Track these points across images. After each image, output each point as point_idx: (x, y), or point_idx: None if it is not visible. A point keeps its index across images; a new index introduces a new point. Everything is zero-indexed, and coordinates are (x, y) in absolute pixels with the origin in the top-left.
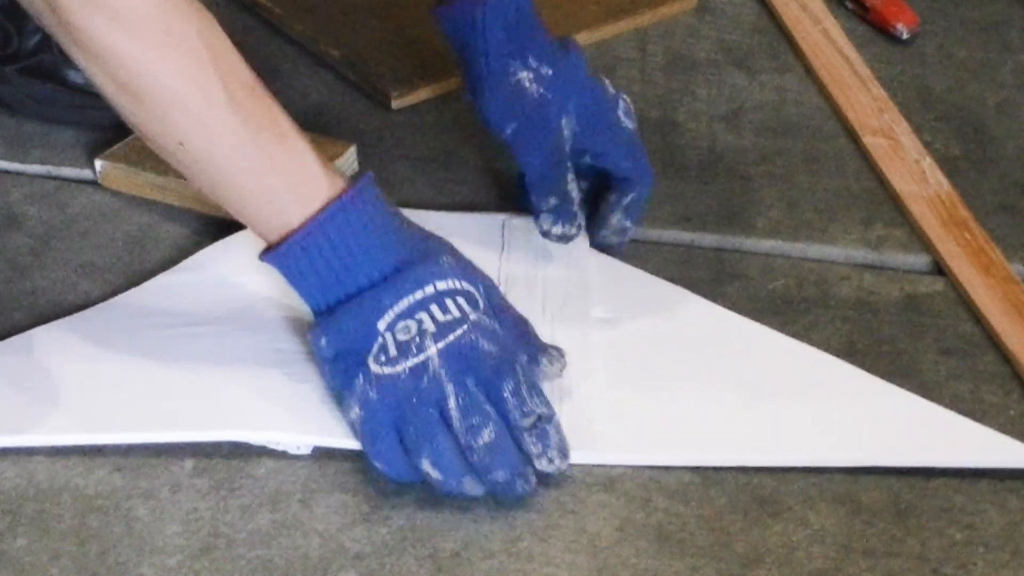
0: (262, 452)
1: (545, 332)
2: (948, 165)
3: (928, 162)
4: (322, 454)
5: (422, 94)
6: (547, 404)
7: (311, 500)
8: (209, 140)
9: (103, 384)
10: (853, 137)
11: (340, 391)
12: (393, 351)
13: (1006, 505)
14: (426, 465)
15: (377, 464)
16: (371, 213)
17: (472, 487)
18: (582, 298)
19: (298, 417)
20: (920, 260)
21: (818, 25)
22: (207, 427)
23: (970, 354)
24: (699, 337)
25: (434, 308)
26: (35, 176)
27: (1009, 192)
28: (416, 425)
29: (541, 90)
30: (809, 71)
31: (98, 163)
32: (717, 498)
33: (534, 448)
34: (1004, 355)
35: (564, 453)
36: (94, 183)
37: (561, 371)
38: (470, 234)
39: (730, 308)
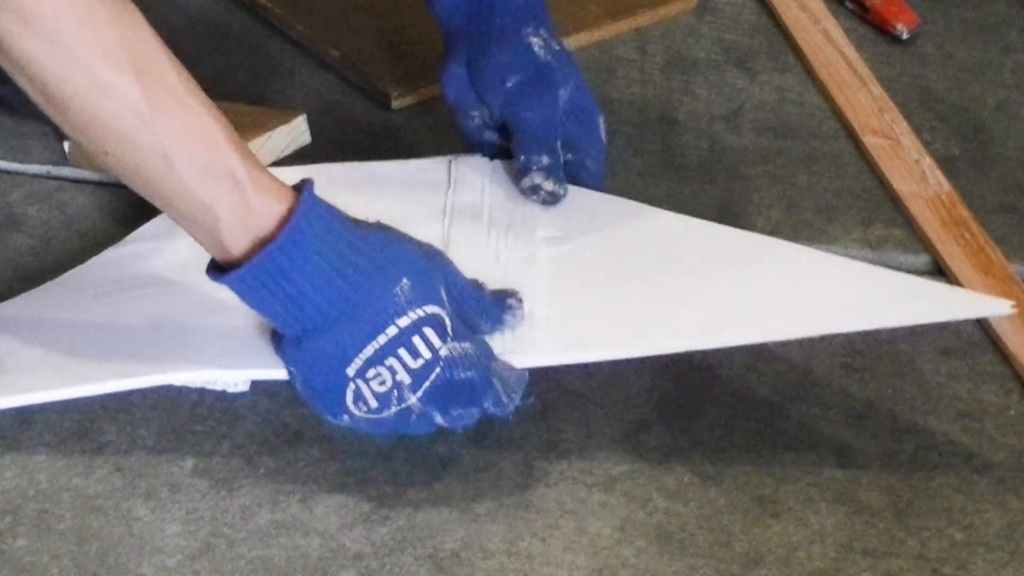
0: (262, 452)
1: (490, 257)
2: (948, 165)
3: (928, 162)
4: (323, 453)
5: (422, 94)
6: (517, 397)
7: (311, 500)
8: (131, 155)
9: (47, 348)
10: (853, 137)
11: (323, 418)
12: (373, 402)
13: (1006, 505)
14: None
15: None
16: (318, 239)
17: None
18: (529, 220)
19: (232, 355)
20: (920, 260)
21: (818, 25)
22: (141, 374)
23: (970, 354)
24: (647, 241)
25: (402, 353)
26: (35, 176)
27: (1009, 192)
28: (412, 430)
29: (549, 57)
30: (809, 71)
31: (66, 144)
32: (717, 498)
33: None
34: (1004, 355)
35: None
36: (94, 183)
37: (522, 319)
38: (417, 178)
39: None
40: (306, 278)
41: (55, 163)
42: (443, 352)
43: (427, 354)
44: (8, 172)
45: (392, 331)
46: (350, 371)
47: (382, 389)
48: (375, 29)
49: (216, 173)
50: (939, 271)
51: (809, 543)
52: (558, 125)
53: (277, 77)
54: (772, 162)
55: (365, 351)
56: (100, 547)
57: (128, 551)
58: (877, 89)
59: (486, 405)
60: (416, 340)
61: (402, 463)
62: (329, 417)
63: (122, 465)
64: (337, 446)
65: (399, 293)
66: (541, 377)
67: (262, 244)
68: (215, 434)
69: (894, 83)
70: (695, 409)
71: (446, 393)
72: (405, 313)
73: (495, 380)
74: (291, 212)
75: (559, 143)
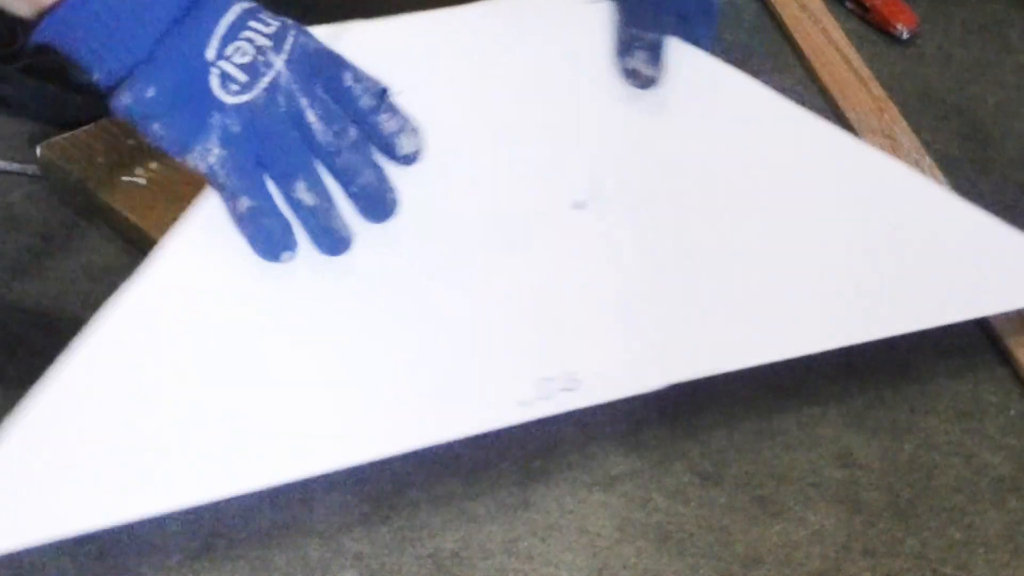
0: None
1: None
2: (948, 165)
3: (928, 162)
4: None
5: None
6: (378, 80)
7: (311, 500)
8: None
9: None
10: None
11: (185, 140)
12: (241, 75)
13: (1006, 505)
14: (300, 191)
15: (242, 202)
16: None
17: (340, 223)
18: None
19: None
20: None
21: (818, 25)
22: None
23: (970, 354)
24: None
25: (255, 24)
26: (35, 176)
27: (1009, 192)
28: (287, 151)
29: None
30: (809, 71)
31: (39, 148)
32: (717, 498)
33: (392, 124)
34: (1004, 355)
35: (413, 123)
36: None
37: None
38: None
39: None
40: None
41: None
42: (289, 20)
43: (276, 22)
44: (8, 172)
45: (238, 8)
46: (209, 54)
47: (247, 59)
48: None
49: None
50: None
51: (809, 543)
52: (666, 6)
53: None
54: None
55: (218, 28)
56: (100, 547)
57: (128, 551)
58: (877, 89)
59: (347, 81)
60: (262, 15)
61: (402, 463)
62: (196, 140)
63: None
64: None
65: None
66: None
67: None
68: None
69: (894, 83)
70: (695, 409)
71: (307, 62)
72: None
73: (345, 58)
74: None
75: (671, 16)
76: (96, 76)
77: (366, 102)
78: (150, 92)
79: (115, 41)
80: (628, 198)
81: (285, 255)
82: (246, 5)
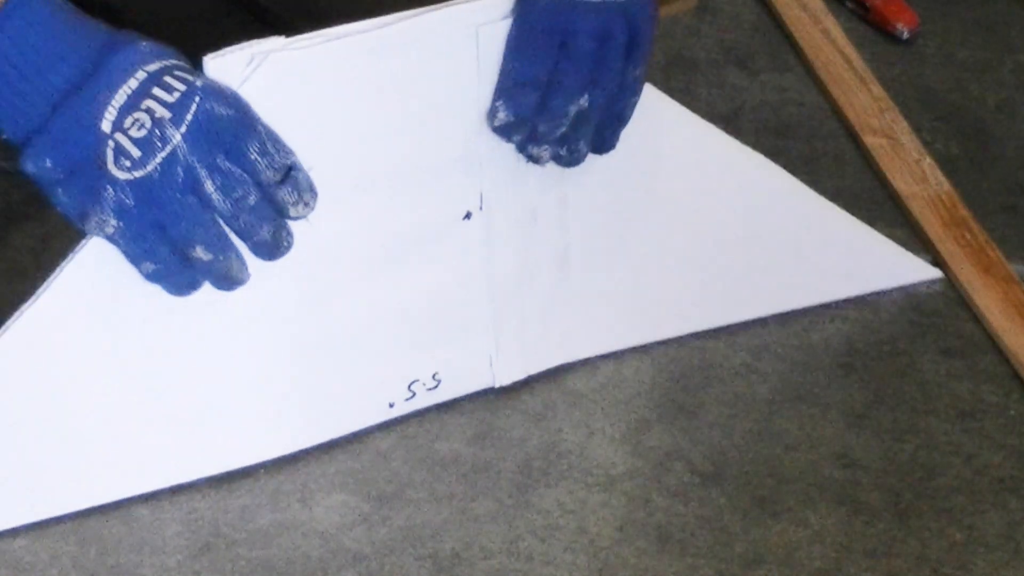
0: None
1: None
2: (948, 165)
3: (928, 162)
4: (322, 453)
5: None
6: (288, 151)
7: (311, 500)
8: None
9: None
10: (853, 137)
11: (83, 210)
12: (135, 151)
13: (1006, 505)
14: (198, 252)
15: (146, 267)
16: (54, 7)
17: (238, 267)
18: None
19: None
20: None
21: (818, 25)
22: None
23: (970, 354)
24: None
25: (157, 92)
26: None
27: (1009, 192)
28: (183, 218)
29: None
30: (809, 71)
31: None
32: (717, 498)
33: (290, 198)
34: (1004, 355)
35: (314, 191)
36: None
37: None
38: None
39: None
40: (47, 42)
41: None
42: (199, 83)
43: (181, 87)
44: (8, 172)
45: (141, 75)
46: (105, 125)
47: (142, 133)
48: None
49: None
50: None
51: (809, 543)
52: None
53: None
54: (772, 162)
55: (117, 98)
56: (100, 547)
57: (128, 551)
58: (877, 89)
59: (252, 154)
60: (168, 78)
61: (402, 463)
62: (92, 211)
63: None
64: (337, 446)
65: (143, 47)
66: (541, 376)
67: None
68: None
69: (894, 83)
70: (695, 409)
71: (210, 133)
72: (152, 61)
73: (258, 124)
74: None
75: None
76: (2, 135)
77: (268, 177)
78: (47, 162)
79: (10, 106)
80: (512, 206)
81: (190, 294)
82: (152, 67)
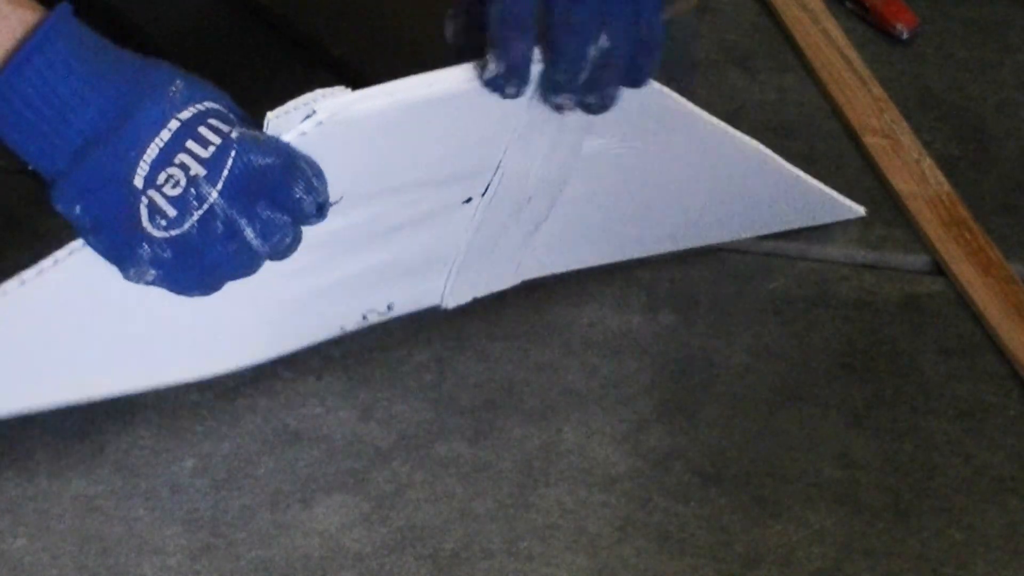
0: (262, 452)
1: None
2: (948, 165)
3: (928, 162)
4: (323, 453)
5: None
6: (324, 182)
7: (311, 500)
8: None
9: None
10: (853, 137)
11: (122, 258)
12: (171, 211)
13: (1006, 505)
14: (228, 280)
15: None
16: (75, 41)
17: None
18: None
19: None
20: (920, 260)
21: (818, 25)
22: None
23: (970, 354)
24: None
25: (191, 145)
26: (35, 176)
27: (1009, 192)
28: (222, 263)
29: None
30: (809, 71)
31: None
32: (717, 498)
33: (317, 221)
34: (1004, 355)
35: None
36: None
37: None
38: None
39: (729, 308)
40: (68, 84)
41: None
42: (234, 135)
43: (217, 140)
44: (8, 172)
45: (174, 125)
46: (138, 181)
47: (177, 192)
48: (375, 29)
49: None
50: (939, 271)
51: (809, 543)
52: None
53: (277, 77)
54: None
55: (149, 152)
56: (100, 547)
57: (128, 551)
58: (877, 89)
59: (297, 194)
60: (202, 129)
61: (402, 463)
62: (129, 263)
63: (122, 465)
64: (337, 446)
65: (174, 91)
66: (541, 376)
67: (13, 55)
68: (215, 434)
69: (894, 83)
70: (695, 409)
71: (249, 185)
72: (185, 107)
73: (300, 162)
74: (43, 20)
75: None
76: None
77: (308, 209)
78: (76, 209)
79: (34, 143)
80: (515, 191)
81: None
82: (186, 115)
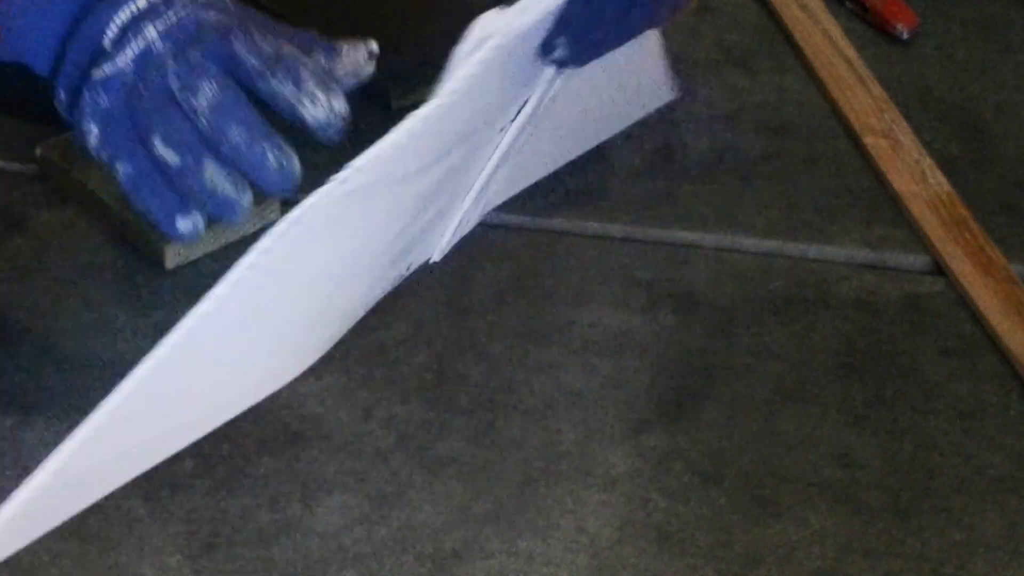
0: (262, 452)
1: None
2: (948, 165)
3: (928, 162)
4: (323, 453)
5: (422, 94)
6: (293, 48)
7: (311, 500)
8: None
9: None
10: (853, 137)
11: (76, 125)
12: (111, 48)
13: (1006, 505)
14: (159, 148)
15: (121, 167)
16: None
17: (219, 180)
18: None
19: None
20: (920, 260)
21: (818, 25)
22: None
23: (970, 354)
24: None
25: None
26: (35, 176)
27: (1009, 192)
28: (146, 108)
29: None
30: (809, 71)
31: (38, 149)
32: (717, 498)
33: (284, 88)
34: (1004, 355)
35: (332, 88)
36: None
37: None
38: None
39: (729, 308)
40: None
41: None
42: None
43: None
44: (8, 172)
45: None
46: (107, 43)
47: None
48: (375, 29)
49: None
50: (939, 271)
51: (809, 543)
52: None
53: None
54: (772, 162)
55: (121, 15)
56: (100, 547)
57: (128, 551)
58: (877, 89)
59: (234, 46)
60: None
61: (402, 463)
62: (78, 122)
63: None
64: (337, 446)
65: None
66: (541, 376)
67: None
68: (215, 434)
69: (894, 83)
70: (695, 409)
71: (190, 29)
72: None
73: (251, 25)
74: None
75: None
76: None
77: (254, 62)
78: (61, 95)
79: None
80: (527, 116)
81: (182, 222)
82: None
